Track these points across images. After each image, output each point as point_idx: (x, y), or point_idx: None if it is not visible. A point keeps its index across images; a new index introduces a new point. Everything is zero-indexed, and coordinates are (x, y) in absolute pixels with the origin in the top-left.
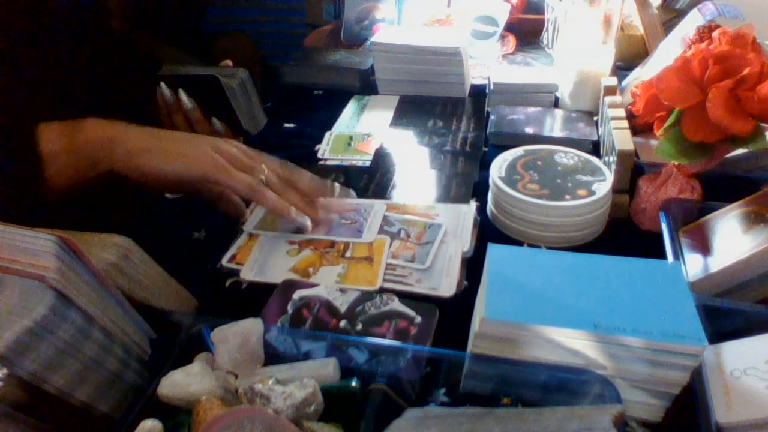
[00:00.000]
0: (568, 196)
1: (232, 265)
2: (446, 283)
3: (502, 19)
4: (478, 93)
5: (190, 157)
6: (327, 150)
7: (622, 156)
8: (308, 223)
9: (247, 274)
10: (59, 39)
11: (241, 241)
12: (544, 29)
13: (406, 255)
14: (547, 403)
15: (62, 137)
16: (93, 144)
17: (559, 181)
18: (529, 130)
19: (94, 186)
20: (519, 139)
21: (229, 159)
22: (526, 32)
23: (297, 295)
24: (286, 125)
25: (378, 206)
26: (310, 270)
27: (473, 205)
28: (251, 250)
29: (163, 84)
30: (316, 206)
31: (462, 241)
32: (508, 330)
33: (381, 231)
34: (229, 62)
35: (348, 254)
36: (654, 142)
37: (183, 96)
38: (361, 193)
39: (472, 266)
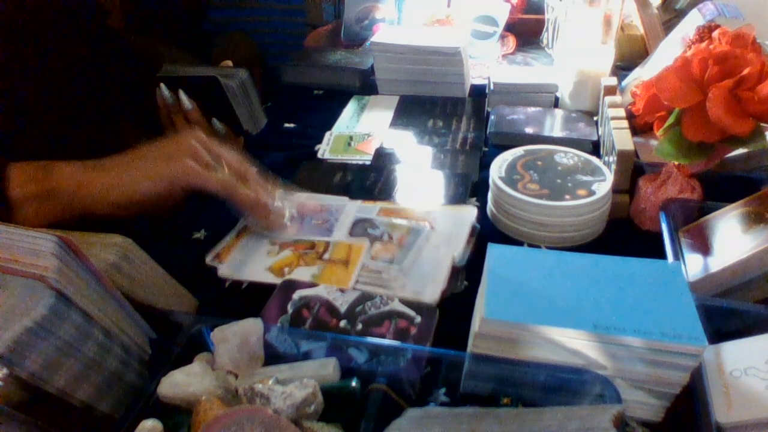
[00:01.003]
0: (568, 196)
1: (215, 263)
2: (430, 289)
3: (502, 19)
4: (478, 93)
5: (164, 172)
6: (327, 150)
7: (622, 156)
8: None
9: (225, 271)
10: (57, 39)
11: (228, 239)
12: (544, 29)
13: (385, 257)
14: (547, 403)
15: (32, 182)
16: (63, 189)
17: (559, 181)
18: (529, 130)
19: (68, 224)
20: (519, 139)
21: (200, 159)
22: (526, 32)
23: (297, 295)
24: (286, 125)
25: (349, 207)
26: (286, 270)
27: (474, 211)
28: (234, 248)
29: (162, 85)
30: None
31: (454, 248)
32: (508, 330)
33: (364, 233)
34: (229, 63)
35: (326, 256)
36: (654, 142)
37: (183, 97)
38: (362, 193)
39: (472, 266)
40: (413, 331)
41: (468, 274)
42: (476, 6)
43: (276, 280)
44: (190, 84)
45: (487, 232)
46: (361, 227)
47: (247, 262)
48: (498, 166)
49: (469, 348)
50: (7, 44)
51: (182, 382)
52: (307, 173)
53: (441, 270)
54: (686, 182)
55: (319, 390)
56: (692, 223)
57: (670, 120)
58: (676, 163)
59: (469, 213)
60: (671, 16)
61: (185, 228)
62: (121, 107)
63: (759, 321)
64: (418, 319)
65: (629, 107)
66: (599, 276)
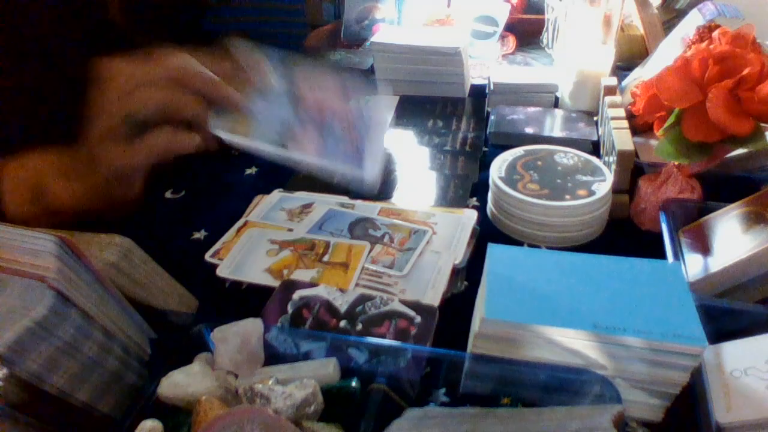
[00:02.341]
0: (568, 196)
1: (214, 261)
2: (430, 296)
3: (502, 19)
4: (478, 93)
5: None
6: None
7: (622, 156)
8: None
9: (224, 271)
10: (54, 32)
11: (227, 236)
12: (544, 29)
13: (385, 260)
14: (547, 403)
15: (26, 204)
16: (57, 208)
17: (559, 181)
18: (529, 130)
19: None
20: (519, 139)
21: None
22: (526, 32)
23: (297, 295)
24: None
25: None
26: (285, 272)
27: (474, 214)
28: (234, 245)
29: None
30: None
31: (455, 254)
32: (508, 330)
33: (365, 235)
34: None
35: (326, 258)
36: (654, 142)
37: None
38: (362, 193)
39: (472, 266)
40: (413, 331)
41: (468, 274)
42: (476, 6)
43: (274, 282)
44: None
45: (487, 233)
46: (361, 228)
47: (246, 262)
48: (498, 166)
49: (469, 348)
50: (2, 37)
51: (182, 383)
52: (307, 173)
53: (441, 276)
54: (686, 182)
55: (319, 390)
56: (692, 223)
57: (670, 120)
58: (676, 163)
59: (469, 217)
60: (671, 16)
61: (185, 228)
62: None
63: (759, 321)
64: (418, 319)
65: (629, 107)
66: (599, 276)
